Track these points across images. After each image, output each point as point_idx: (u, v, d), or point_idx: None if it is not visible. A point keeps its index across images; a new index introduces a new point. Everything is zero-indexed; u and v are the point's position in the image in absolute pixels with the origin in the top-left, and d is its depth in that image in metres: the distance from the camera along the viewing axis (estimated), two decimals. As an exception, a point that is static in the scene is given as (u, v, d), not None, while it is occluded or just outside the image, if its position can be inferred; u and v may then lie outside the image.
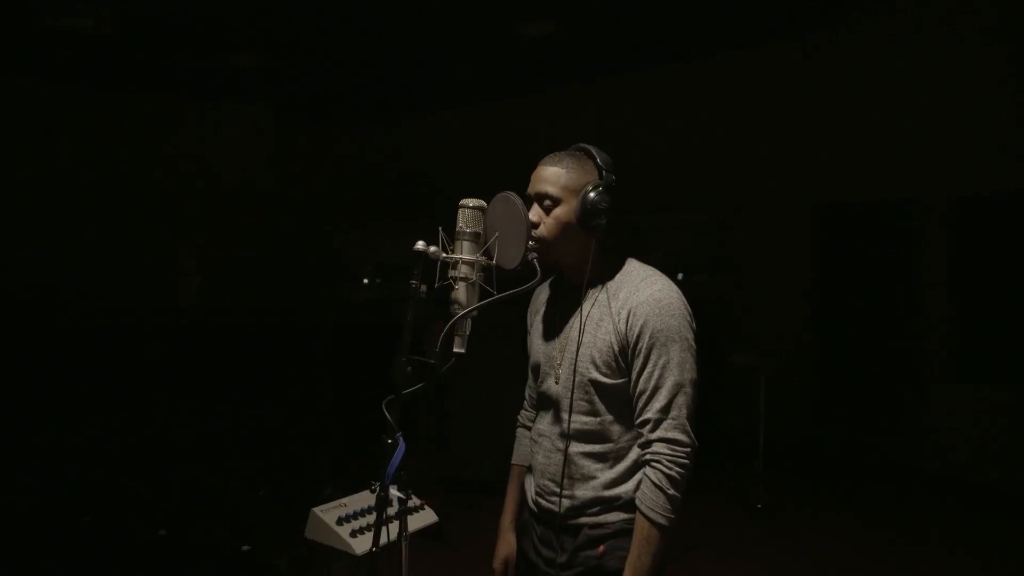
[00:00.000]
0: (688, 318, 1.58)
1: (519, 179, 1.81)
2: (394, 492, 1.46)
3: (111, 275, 7.57)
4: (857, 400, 6.03)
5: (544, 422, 1.73)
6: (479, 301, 1.50)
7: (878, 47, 5.83)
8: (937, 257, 5.56)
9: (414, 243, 1.50)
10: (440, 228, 1.54)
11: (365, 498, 2.01)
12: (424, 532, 3.89)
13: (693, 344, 1.57)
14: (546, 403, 1.72)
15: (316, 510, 1.84)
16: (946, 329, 5.52)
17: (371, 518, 1.90)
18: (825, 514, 4.84)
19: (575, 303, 1.67)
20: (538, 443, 1.73)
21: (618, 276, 1.65)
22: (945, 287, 5.52)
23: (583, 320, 1.63)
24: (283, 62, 6.90)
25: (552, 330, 1.73)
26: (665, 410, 1.52)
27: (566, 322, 1.69)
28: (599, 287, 1.65)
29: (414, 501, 2.06)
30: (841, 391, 6.14)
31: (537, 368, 1.76)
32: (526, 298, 1.83)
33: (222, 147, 8.18)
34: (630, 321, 1.56)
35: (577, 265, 1.64)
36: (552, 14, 5.75)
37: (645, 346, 1.54)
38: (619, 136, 7.35)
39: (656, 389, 1.53)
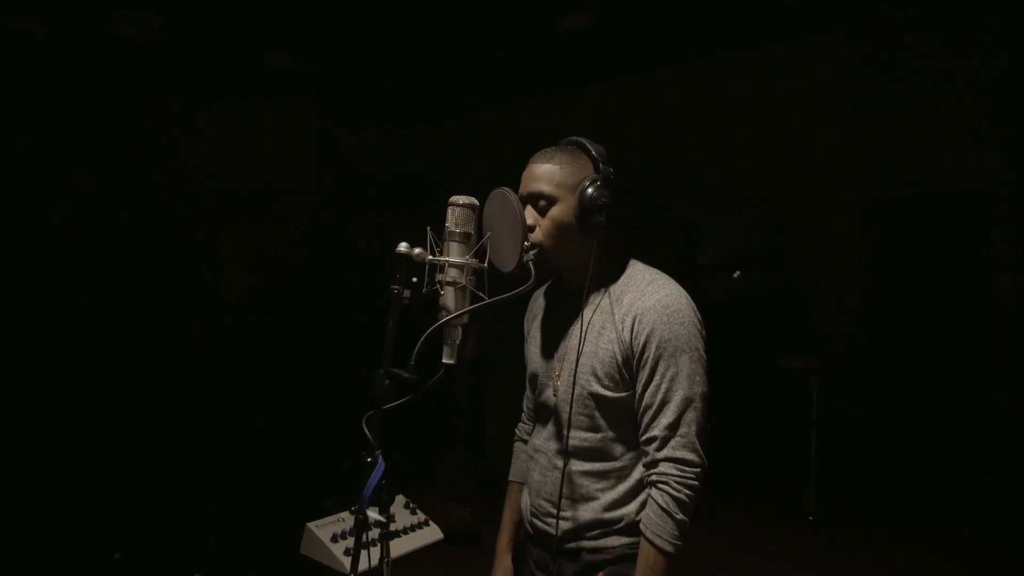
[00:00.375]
0: (698, 326, 1.44)
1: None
2: (373, 514, 1.35)
3: (156, 274, 7.75)
4: (917, 406, 5.69)
5: (541, 437, 1.60)
6: (469, 306, 1.38)
7: (932, 31, 5.48)
8: (1006, 253, 5.19)
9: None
10: (428, 228, 1.43)
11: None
12: (458, 539, 3.73)
13: (704, 355, 1.44)
14: (543, 417, 1.60)
15: (311, 525, 1.75)
16: (1014, 330, 5.15)
17: (370, 535, 1.80)
18: (882, 528, 4.55)
19: (575, 309, 1.54)
20: (534, 459, 1.61)
21: (621, 279, 1.51)
22: (1013, 284, 5.15)
23: (584, 328, 1.50)
24: (323, 61, 6.92)
25: (550, 338, 1.60)
26: (673, 427, 1.39)
27: (565, 330, 1.56)
28: (601, 292, 1.52)
29: (418, 516, 1.95)
30: (899, 396, 5.80)
31: (535, 379, 1.63)
32: (526, 301, 1.72)
33: (264, 146, 8.28)
34: (635, 329, 1.43)
35: (578, 268, 1.52)
36: (592, 7, 5.60)
37: (652, 356, 1.41)
38: (666, 134, 7.16)
39: (663, 404, 1.40)
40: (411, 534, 1.84)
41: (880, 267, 5.96)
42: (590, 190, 1.44)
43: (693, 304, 1.46)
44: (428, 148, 9.46)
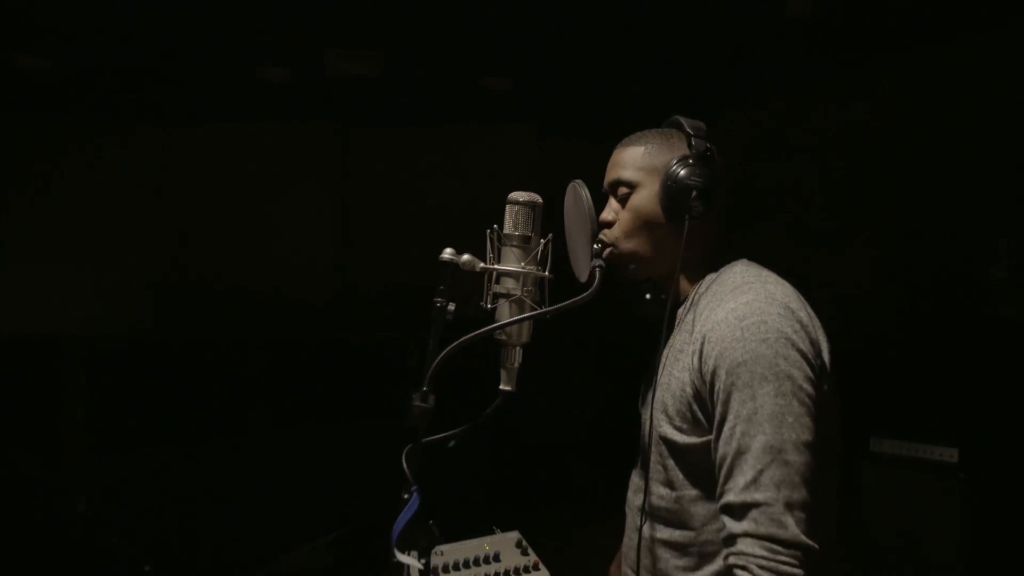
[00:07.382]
0: (793, 345, 1.04)
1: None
2: (404, 558, 1.18)
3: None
4: None
5: (631, 488, 1.33)
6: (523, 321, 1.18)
7: None
8: None
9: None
10: (488, 231, 1.26)
11: (472, 547, 1.71)
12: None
13: (804, 385, 1.02)
14: (636, 463, 1.32)
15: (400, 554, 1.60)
16: None
17: (466, 573, 1.62)
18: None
19: (669, 326, 1.29)
20: (627, 516, 1.33)
21: (713, 285, 1.21)
22: None
23: (662, 351, 1.24)
24: (541, 82, 6.88)
25: (649, 365, 1.35)
26: (752, 487, 0.98)
27: (659, 352, 1.31)
28: (690, 302, 1.25)
29: (529, 557, 1.73)
30: None
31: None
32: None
33: (488, 167, 8.55)
34: (704, 351, 1.10)
35: (669, 274, 1.25)
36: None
37: (722, 388, 1.05)
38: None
39: (739, 455, 1.01)
40: (517, 578, 1.62)
41: None
42: (679, 169, 1.19)
43: (797, 313, 1.08)
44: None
